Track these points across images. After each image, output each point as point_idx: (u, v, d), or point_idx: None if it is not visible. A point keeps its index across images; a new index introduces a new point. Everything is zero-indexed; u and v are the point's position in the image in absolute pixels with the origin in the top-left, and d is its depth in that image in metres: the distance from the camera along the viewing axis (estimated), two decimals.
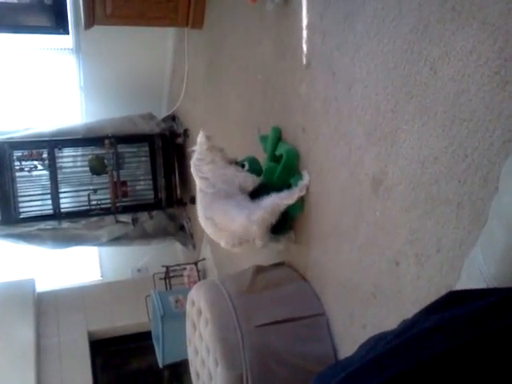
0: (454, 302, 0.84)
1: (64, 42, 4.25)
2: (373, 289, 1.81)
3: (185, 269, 4.36)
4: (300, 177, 2.24)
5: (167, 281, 4.24)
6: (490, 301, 0.78)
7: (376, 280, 1.79)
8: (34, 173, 4.07)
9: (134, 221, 4.41)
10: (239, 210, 2.18)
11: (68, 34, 4.15)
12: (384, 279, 1.74)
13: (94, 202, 4.15)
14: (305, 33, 2.17)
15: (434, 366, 0.72)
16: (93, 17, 3.33)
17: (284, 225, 2.36)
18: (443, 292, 0.92)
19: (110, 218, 4.35)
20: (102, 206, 4.18)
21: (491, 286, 0.88)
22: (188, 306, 2.47)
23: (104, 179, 4.17)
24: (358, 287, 1.91)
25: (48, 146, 4.00)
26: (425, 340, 0.76)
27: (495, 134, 1.22)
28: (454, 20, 1.32)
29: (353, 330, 1.98)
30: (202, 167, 2.29)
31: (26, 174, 4.03)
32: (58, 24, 4.16)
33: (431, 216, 1.48)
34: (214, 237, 2.28)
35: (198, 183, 2.30)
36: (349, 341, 2.02)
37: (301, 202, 2.26)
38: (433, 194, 1.46)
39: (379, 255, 1.75)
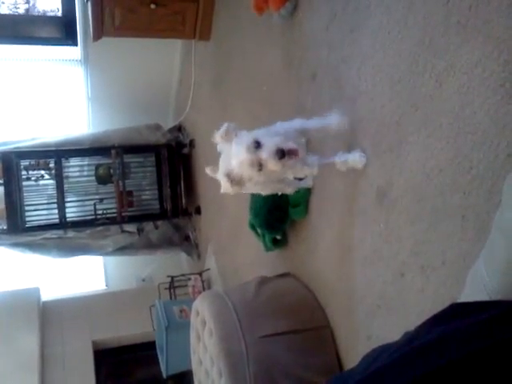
0: (457, 315, 0.84)
1: (72, 53, 4.29)
2: (377, 300, 1.81)
3: (189, 279, 4.35)
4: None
5: (172, 291, 4.23)
6: (492, 314, 0.78)
7: (381, 291, 1.78)
8: (41, 182, 4.10)
9: (140, 230, 4.41)
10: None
11: (76, 45, 4.20)
12: (389, 291, 1.73)
13: (99, 212, 4.17)
14: (311, 45, 2.19)
15: (437, 378, 0.72)
16: (101, 29, 3.37)
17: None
18: (448, 304, 0.91)
19: (115, 228, 4.36)
20: (108, 216, 4.19)
21: (494, 299, 0.88)
22: (192, 317, 2.47)
23: (110, 189, 4.18)
24: (362, 299, 1.91)
25: (55, 156, 4.02)
26: (427, 353, 0.76)
27: (500, 146, 1.23)
28: (459, 33, 1.33)
29: (357, 342, 1.97)
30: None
31: (33, 183, 4.06)
32: (67, 35, 4.21)
33: (436, 228, 1.47)
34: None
35: None
36: (353, 352, 2.01)
37: (304, 207, 2.27)
38: (438, 206, 1.46)
39: (384, 267, 1.75)
